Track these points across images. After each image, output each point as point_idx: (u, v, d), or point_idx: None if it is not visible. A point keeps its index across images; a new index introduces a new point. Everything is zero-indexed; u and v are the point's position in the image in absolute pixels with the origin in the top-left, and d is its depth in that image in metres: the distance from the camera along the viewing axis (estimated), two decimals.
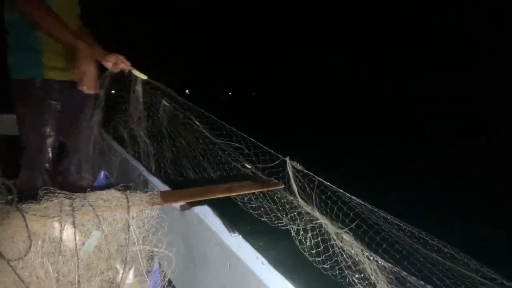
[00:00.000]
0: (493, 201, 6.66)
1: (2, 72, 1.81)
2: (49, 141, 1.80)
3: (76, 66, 1.61)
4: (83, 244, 1.09)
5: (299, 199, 1.57)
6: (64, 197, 1.10)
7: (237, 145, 1.78)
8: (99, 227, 1.10)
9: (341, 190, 1.51)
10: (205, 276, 1.20)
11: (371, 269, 1.39)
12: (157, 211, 1.19)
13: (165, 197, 1.25)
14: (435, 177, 8.17)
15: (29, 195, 1.08)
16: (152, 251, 1.18)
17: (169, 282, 1.26)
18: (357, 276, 1.37)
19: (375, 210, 1.52)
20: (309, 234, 1.46)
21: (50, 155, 1.81)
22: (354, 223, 1.47)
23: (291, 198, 1.60)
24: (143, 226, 1.16)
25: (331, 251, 1.39)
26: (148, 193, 1.22)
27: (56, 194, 1.09)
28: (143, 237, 1.16)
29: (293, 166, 1.59)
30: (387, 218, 1.53)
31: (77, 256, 1.06)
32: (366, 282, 1.36)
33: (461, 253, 1.60)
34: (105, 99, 2.09)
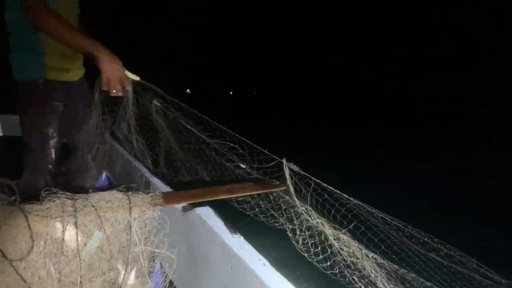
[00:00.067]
0: (493, 201, 6.65)
1: (5, 73, 1.82)
2: (52, 142, 1.81)
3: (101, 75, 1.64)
4: (85, 244, 1.09)
5: (295, 200, 1.57)
6: (66, 198, 1.10)
7: (232, 145, 1.78)
8: (101, 228, 1.10)
9: (338, 191, 1.51)
10: (207, 277, 1.20)
11: (370, 267, 1.39)
12: (159, 212, 1.19)
13: (167, 198, 1.26)
14: (435, 177, 8.16)
15: (31, 195, 1.09)
16: (154, 252, 1.19)
17: (171, 283, 1.26)
18: (357, 274, 1.37)
19: (374, 211, 1.52)
20: (306, 234, 1.46)
21: (53, 156, 1.81)
22: (352, 225, 1.47)
23: (287, 197, 1.60)
24: (145, 227, 1.17)
25: (329, 251, 1.39)
26: (150, 194, 1.22)
27: (59, 195, 1.10)
28: (145, 238, 1.17)
29: (290, 168, 1.60)
30: (385, 219, 1.53)
31: (79, 256, 1.07)
32: (366, 280, 1.36)
33: (461, 253, 1.61)
34: (102, 100, 2.10)
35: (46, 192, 1.08)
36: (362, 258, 1.40)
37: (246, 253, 1.02)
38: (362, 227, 1.53)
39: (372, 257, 1.43)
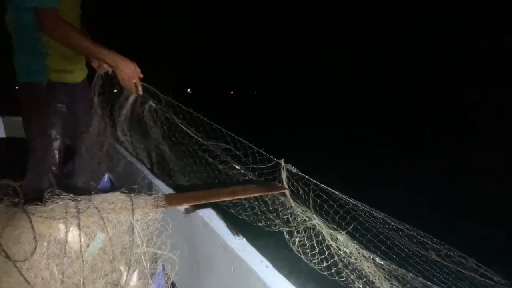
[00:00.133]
0: (492, 200, 6.67)
1: (8, 75, 1.82)
2: (55, 143, 1.82)
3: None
4: (88, 246, 1.10)
5: (291, 201, 1.57)
6: (70, 199, 1.11)
7: (226, 146, 1.78)
8: (104, 229, 1.10)
9: (337, 192, 1.51)
10: (209, 279, 1.21)
11: (368, 267, 1.40)
12: (162, 213, 1.20)
13: (170, 200, 1.26)
14: (434, 177, 8.18)
15: (35, 197, 1.09)
16: (156, 253, 1.19)
17: (173, 284, 1.27)
18: (355, 275, 1.38)
19: (373, 211, 1.52)
20: (304, 235, 1.46)
21: (56, 157, 1.82)
22: (351, 226, 1.47)
23: (282, 199, 1.60)
24: (148, 228, 1.17)
25: (327, 253, 1.39)
26: (153, 196, 1.22)
27: (62, 196, 1.10)
28: (147, 239, 1.17)
29: (287, 169, 1.59)
30: (385, 219, 1.53)
31: (82, 258, 1.07)
32: (364, 279, 1.36)
33: (460, 254, 1.62)
34: (101, 101, 2.10)
35: (49, 194, 1.08)
36: (360, 258, 1.40)
37: (249, 255, 1.02)
38: (361, 229, 1.53)
39: (370, 257, 1.43)
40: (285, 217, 1.56)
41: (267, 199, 1.67)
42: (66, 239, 1.05)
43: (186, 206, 1.33)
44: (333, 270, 1.37)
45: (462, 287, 1.56)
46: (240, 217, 1.71)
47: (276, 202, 1.64)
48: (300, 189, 1.55)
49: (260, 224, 1.67)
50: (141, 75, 1.80)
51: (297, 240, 1.46)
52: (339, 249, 1.39)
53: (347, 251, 1.39)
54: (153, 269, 1.21)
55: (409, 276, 1.51)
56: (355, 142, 12.55)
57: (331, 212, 1.51)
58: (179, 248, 1.23)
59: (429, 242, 1.61)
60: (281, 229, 1.57)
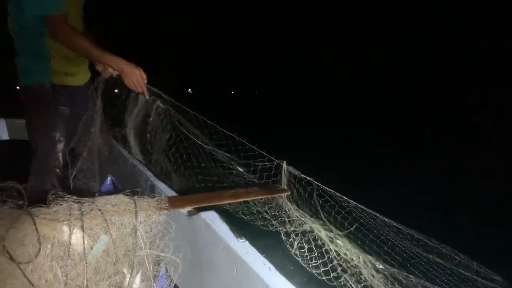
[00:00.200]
0: (493, 201, 6.65)
1: (11, 77, 1.83)
2: (59, 146, 1.83)
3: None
4: (92, 248, 1.10)
5: (290, 204, 1.57)
6: (73, 202, 1.11)
7: (224, 150, 1.79)
8: (107, 231, 1.11)
9: (339, 194, 1.50)
10: (212, 281, 1.21)
11: (367, 271, 1.39)
12: (164, 216, 1.20)
13: (172, 203, 1.26)
14: (435, 177, 8.16)
15: (38, 199, 1.09)
16: (159, 256, 1.19)
17: (176, 287, 1.27)
18: (354, 280, 1.37)
19: (373, 213, 1.52)
20: (302, 239, 1.46)
21: (60, 159, 1.83)
22: (354, 227, 1.47)
23: (281, 201, 1.60)
24: (151, 231, 1.17)
25: (326, 257, 1.39)
26: (156, 198, 1.22)
27: (65, 199, 1.10)
28: (150, 242, 1.17)
29: (289, 171, 1.59)
30: (385, 221, 1.53)
31: (86, 260, 1.07)
32: (363, 284, 1.36)
33: (461, 255, 1.62)
34: (104, 104, 2.11)
35: (53, 196, 1.09)
36: (359, 262, 1.40)
37: (251, 257, 1.02)
38: (363, 229, 1.53)
39: (369, 262, 1.43)
40: (288, 219, 1.56)
41: (270, 203, 1.67)
42: (69, 241, 1.05)
43: (188, 208, 1.33)
44: (331, 276, 1.37)
45: None
46: (244, 218, 1.71)
47: (278, 204, 1.64)
48: (302, 191, 1.55)
49: (264, 227, 1.67)
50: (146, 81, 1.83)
51: (295, 243, 1.46)
52: (338, 254, 1.39)
53: (347, 255, 1.39)
54: (156, 272, 1.21)
55: (409, 280, 1.50)
56: (356, 143, 12.53)
57: (333, 213, 1.51)
58: (182, 251, 1.23)
59: (430, 244, 1.60)
60: (279, 230, 1.57)
